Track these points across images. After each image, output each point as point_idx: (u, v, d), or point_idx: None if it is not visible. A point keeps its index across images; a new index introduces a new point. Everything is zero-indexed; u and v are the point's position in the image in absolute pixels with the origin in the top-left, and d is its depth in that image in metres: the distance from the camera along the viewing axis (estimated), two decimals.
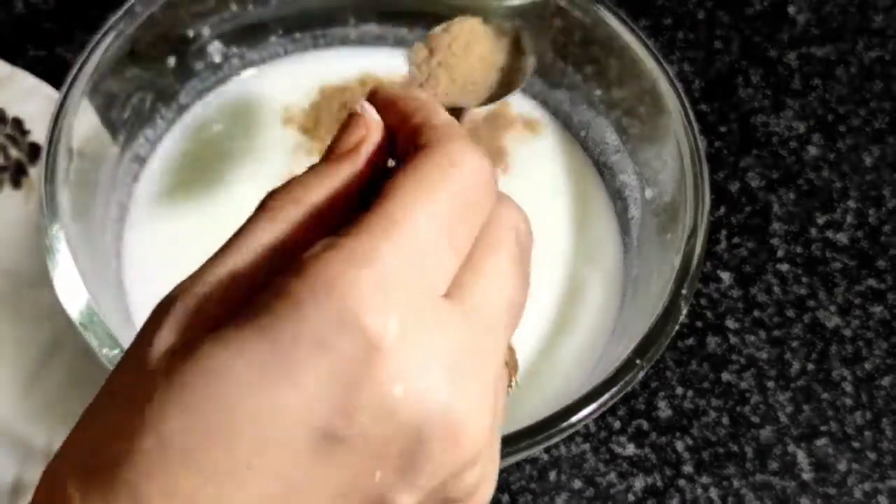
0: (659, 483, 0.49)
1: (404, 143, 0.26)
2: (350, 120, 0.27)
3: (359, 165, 0.26)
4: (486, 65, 0.37)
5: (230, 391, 0.21)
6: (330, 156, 0.26)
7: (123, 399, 0.22)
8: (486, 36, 0.38)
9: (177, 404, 0.21)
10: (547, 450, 0.49)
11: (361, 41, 0.56)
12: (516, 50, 0.38)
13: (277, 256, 0.23)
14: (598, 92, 0.52)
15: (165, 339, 0.23)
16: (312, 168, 0.26)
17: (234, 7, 0.52)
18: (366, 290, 0.21)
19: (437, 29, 0.37)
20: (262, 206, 0.25)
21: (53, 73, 0.55)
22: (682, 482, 0.49)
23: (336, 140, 0.27)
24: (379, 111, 0.27)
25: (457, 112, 0.34)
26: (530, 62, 0.37)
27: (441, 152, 0.24)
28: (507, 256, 0.26)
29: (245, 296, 0.22)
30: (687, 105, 0.47)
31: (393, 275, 0.22)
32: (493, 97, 0.36)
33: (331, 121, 0.53)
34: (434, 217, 0.23)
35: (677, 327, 0.42)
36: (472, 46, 0.37)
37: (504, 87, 0.37)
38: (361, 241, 0.22)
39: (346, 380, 0.21)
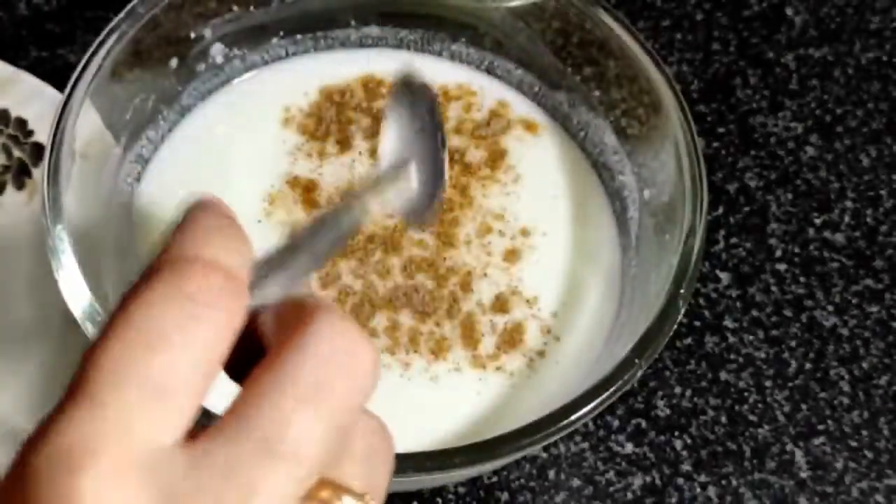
0: (657, 481, 0.49)
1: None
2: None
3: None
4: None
5: None
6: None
7: None
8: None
9: None
10: (546, 448, 0.50)
11: (362, 43, 0.56)
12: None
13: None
14: (597, 93, 0.52)
15: None
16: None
17: (235, 9, 0.52)
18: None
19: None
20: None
21: (56, 74, 0.56)
22: (680, 481, 0.49)
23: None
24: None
25: None
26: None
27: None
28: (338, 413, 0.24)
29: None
30: (685, 106, 0.47)
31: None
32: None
33: (331, 122, 0.53)
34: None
35: (675, 327, 0.42)
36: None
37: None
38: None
39: None
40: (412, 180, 0.33)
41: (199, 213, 0.26)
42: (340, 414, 0.23)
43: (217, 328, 0.23)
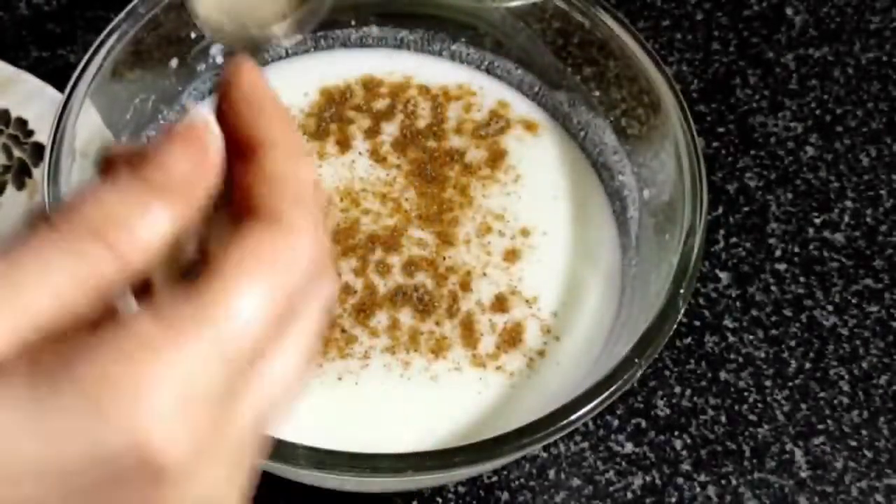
0: (657, 481, 0.49)
1: (248, 183, 0.23)
2: (187, 137, 0.23)
3: (189, 213, 0.22)
4: None
5: None
6: (152, 178, 0.22)
7: None
8: None
9: None
10: (546, 448, 0.50)
11: (362, 43, 0.56)
12: None
13: (72, 310, 0.21)
14: (597, 93, 0.52)
15: None
16: (127, 190, 0.22)
17: None
18: (163, 414, 0.19)
19: None
20: (62, 232, 0.21)
21: (57, 74, 0.56)
22: (680, 480, 0.50)
23: (162, 156, 0.22)
24: (230, 111, 0.24)
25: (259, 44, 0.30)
26: None
27: (288, 240, 0.22)
28: (311, 333, 0.24)
29: (28, 349, 0.20)
30: (685, 106, 0.47)
31: (196, 390, 0.20)
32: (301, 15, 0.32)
33: (331, 122, 0.53)
34: (258, 318, 0.21)
35: (675, 326, 0.42)
36: None
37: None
38: (173, 341, 0.20)
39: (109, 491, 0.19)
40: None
41: (291, 138, 0.24)
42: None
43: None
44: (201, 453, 0.20)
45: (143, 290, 0.23)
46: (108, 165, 0.24)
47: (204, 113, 0.23)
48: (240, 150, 0.24)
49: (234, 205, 0.24)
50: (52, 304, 0.20)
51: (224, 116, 0.24)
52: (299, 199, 0.23)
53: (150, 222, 0.22)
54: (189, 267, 0.24)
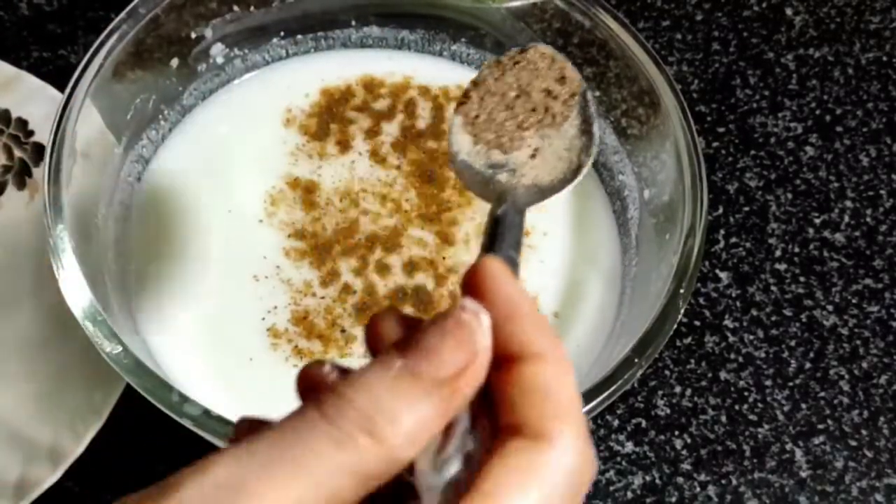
0: (657, 481, 0.49)
1: (510, 394, 0.22)
2: (458, 329, 0.22)
3: (456, 411, 0.22)
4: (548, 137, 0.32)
5: None
6: (423, 372, 0.22)
7: None
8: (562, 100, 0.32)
9: None
10: None
11: (362, 43, 0.56)
12: (584, 115, 0.32)
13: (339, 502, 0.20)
14: (597, 93, 0.52)
15: None
16: (398, 384, 0.21)
17: (236, 9, 0.52)
18: None
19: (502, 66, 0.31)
20: (331, 421, 0.21)
21: (57, 74, 0.56)
22: (680, 480, 0.50)
23: (434, 348, 0.22)
24: (500, 319, 0.23)
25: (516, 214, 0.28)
26: (598, 129, 0.32)
27: (551, 456, 0.22)
28: None
29: None
30: (685, 106, 0.47)
31: None
32: (564, 181, 0.31)
33: (332, 122, 0.53)
34: None
35: (675, 326, 0.42)
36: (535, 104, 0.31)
37: (572, 165, 0.31)
38: None
39: None
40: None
41: (552, 345, 0.23)
42: None
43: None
44: None
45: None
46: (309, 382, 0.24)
47: (476, 308, 0.23)
48: (499, 357, 0.23)
49: (494, 413, 0.23)
50: (315, 494, 0.20)
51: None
52: (563, 415, 0.22)
53: (419, 417, 0.21)
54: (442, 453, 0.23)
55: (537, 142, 0.32)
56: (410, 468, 0.22)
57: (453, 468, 0.22)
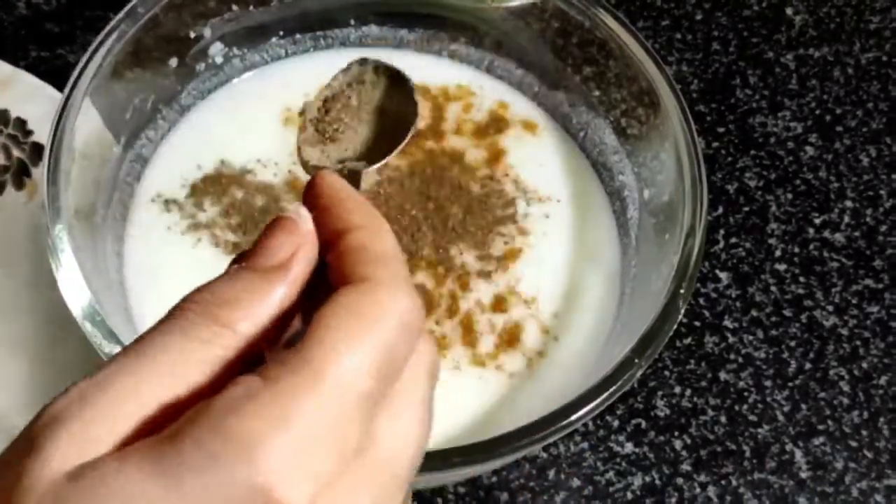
0: (657, 481, 0.49)
1: (337, 261, 0.25)
2: (281, 225, 0.26)
3: (292, 287, 0.25)
4: (384, 118, 0.38)
5: None
6: (257, 264, 0.25)
7: None
8: (382, 85, 0.38)
9: None
10: (546, 448, 0.50)
11: (361, 42, 0.56)
12: (406, 98, 0.38)
13: (193, 386, 0.23)
14: (597, 93, 0.52)
15: (52, 464, 0.21)
16: (236, 277, 0.25)
17: (235, 9, 0.52)
18: (280, 461, 0.21)
19: (334, 78, 0.38)
20: (181, 320, 0.23)
21: (56, 74, 0.56)
22: (680, 480, 0.49)
23: (263, 244, 0.25)
24: (315, 210, 0.26)
25: (355, 175, 0.35)
26: (417, 112, 0.38)
27: (377, 294, 0.24)
28: (421, 400, 0.25)
29: (150, 424, 0.22)
30: (685, 106, 0.47)
31: (309, 439, 0.21)
32: (386, 152, 0.37)
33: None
34: (360, 370, 0.22)
35: (675, 326, 0.42)
36: (370, 98, 0.38)
37: (394, 140, 0.37)
38: (282, 396, 0.21)
39: None
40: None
41: (371, 218, 0.26)
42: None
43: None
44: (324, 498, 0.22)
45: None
46: None
47: (295, 206, 0.27)
48: (330, 242, 0.26)
49: (330, 283, 0.25)
50: (173, 383, 0.22)
51: (315, 219, 0.26)
52: (382, 261, 0.25)
53: (256, 297, 0.24)
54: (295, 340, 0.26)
55: (363, 127, 0.38)
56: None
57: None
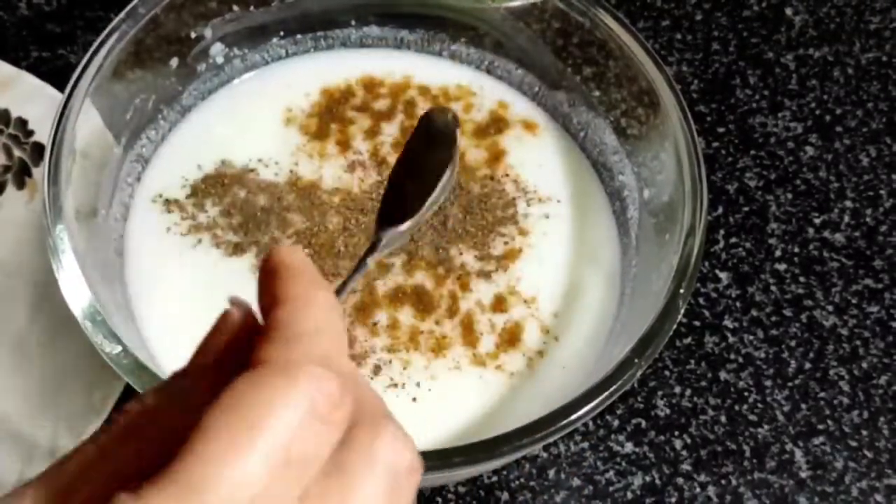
0: (657, 481, 0.49)
1: (255, 342, 0.23)
2: (219, 322, 0.24)
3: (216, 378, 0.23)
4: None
5: None
6: (195, 365, 0.24)
7: None
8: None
9: None
10: (546, 448, 0.50)
11: (362, 43, 0.56)
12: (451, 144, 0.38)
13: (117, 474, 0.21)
14: (597, 93, 0.52)
15: None
16: (173, 386, 0.23)
17: (236, 9, 0.52)
18: None
19: None
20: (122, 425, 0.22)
21: (57, 74, 0.56)
22: (680, 480, 0.50)
23: (205, 342, 0.24)
24: (263, 281, 0.25)
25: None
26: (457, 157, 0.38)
27: (271, 381, 0.21)
28: (363, 499, 0.22)
29: None
30: (685, 106, 0.47)
31: None
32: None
33: (332, 122, 0.53)
34: (246, 479, 0.20)
35: (675, 326, 0.42)
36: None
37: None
38: None
39: None
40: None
41: (303, 290, 0.24)
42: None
43: (328, 444, 0.22)
44: None
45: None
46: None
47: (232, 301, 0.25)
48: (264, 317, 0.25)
49: None
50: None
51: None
52: (296, 339, 0.23)
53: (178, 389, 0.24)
54: None
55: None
56: None
57: None
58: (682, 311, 0.42)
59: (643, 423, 0.51)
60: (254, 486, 0.20)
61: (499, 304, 0.48)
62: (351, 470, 0.22)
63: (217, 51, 0.53)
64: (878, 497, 0.50)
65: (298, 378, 0.21)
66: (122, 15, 0.47)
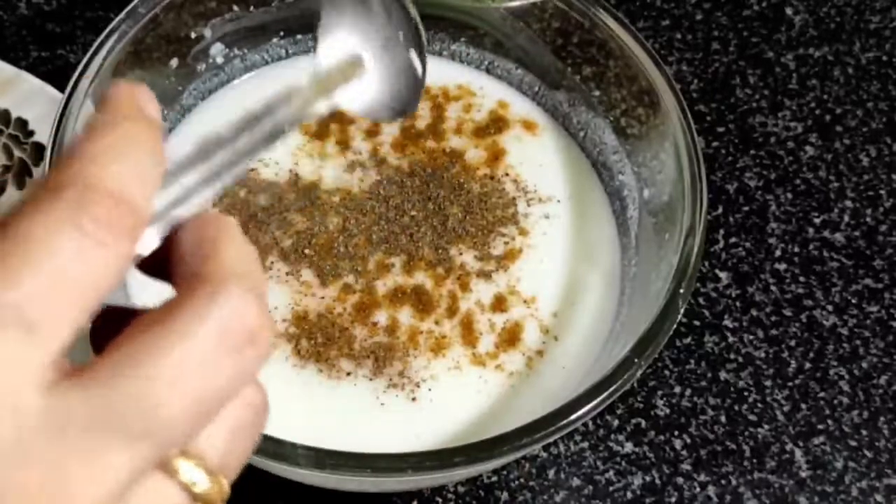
0: (657, 481, 0.49)
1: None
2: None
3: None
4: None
5: None
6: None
7: None
8: None
9: None
10: (545, 447, 0.50)
11: None
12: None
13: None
14: (597, 93, 0.52)
15: None
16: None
17: (235, 9, 0.52)
18: None
19: None
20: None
21: (57, 74, 0.56)
22: (679, 480, 0.50)
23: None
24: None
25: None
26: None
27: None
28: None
29: None
30: (685, 106, 0.47)
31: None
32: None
33: (332, 122, 0.53)
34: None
35: (675, 326, 0.42)
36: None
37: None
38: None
39: None
40: (365, 75, 0.32)
41: (111, 117, 0.23)
42: (218, 400, 0.22)
43: (104, 267, 0.21)
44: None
45: None
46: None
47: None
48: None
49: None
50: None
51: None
52: (89, 160, 0.22)
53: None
54: None
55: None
56: None
57: None
58: (682, 310, 0.42)
59: (643, 423, 0.51)
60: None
61: (499, 304, 0.48)
62: (170, 323, 0.21)
63: (217, 51, 0.53)
64: (878, 497, 0.50)
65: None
66: (122, 15, 0.47)
